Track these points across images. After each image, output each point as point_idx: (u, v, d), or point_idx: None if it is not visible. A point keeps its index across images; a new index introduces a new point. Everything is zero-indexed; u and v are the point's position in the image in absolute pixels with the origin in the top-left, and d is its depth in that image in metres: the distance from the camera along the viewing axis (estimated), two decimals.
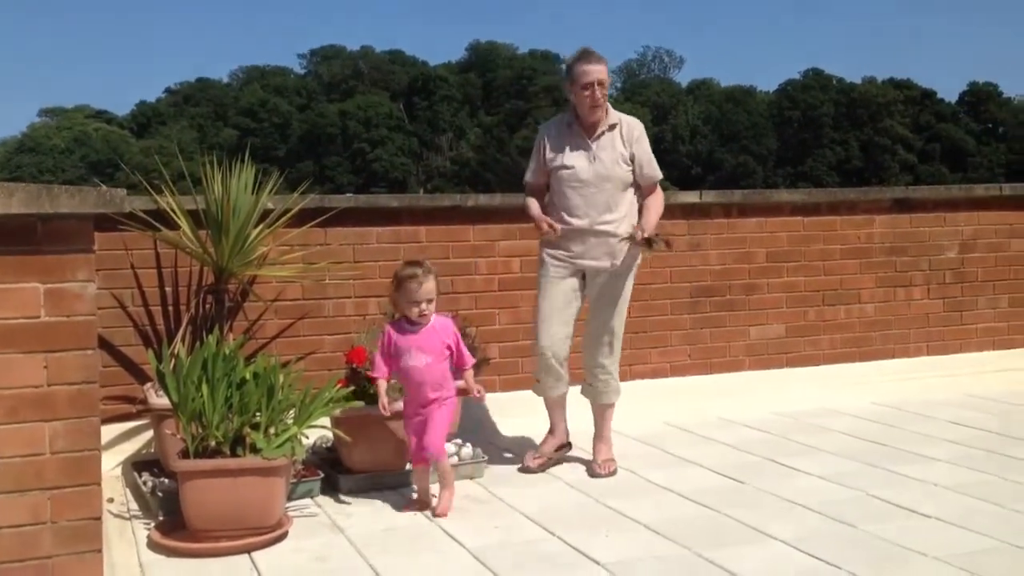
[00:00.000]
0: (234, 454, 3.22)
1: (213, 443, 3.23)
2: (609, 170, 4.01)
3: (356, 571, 3.03)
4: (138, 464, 4.05)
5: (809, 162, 59.78)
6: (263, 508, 3.21)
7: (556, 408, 4.25)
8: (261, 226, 4.16)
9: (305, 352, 4.47)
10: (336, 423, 3.78)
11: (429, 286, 3.53)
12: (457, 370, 3.69)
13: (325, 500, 3.74)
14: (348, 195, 4.99)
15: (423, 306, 3.54)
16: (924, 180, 46.61)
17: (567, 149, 4.05)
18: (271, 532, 3.23)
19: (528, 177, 4.19)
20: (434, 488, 3.65)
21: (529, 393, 4.90)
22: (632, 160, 4.06)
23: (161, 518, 3.45)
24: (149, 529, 3.38)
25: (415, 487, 3.69)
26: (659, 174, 4.14)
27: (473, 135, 67.37)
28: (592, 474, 4.06)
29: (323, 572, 3.04)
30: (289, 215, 4.29)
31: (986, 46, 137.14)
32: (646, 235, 3.96)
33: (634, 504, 3.65)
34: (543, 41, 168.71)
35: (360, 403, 3.68)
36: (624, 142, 4.06)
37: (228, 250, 4.01)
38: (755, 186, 45.51)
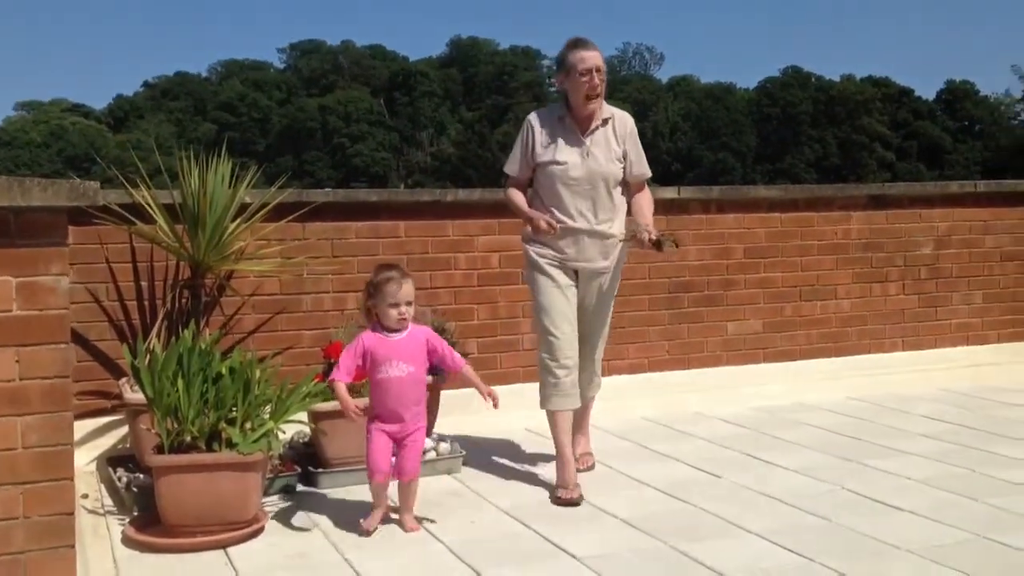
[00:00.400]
0: (210, 449, 3.21)
1: (188, 438, 3.22)
2: (603, 168, 3.80)
3: (332, 566, 3.02)
4: (113, 459, 4.02)
5: (788, 159, 60.09)
6: (239, 503, 3.20)
7: (567, 427, 3.83)
8: (238, 220, 4.14)
9: (283, 347, 4.45)
10: (313, 418, 3.77)
11: (408, 288, 3.32)
12: (454, 370, 3.50)
13: (302, 495, 3.73)
14: (327, 190, 4.98)
15: (403, 308, 3.30)
16: (901, 177, 47.00)
17: (559, 144, 3.80)
18: (247, 527, 3.22)
19: (511, 170, 3.92)
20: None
21: (509, 388, 4.88)
22: (624, 157, 3.87)
23: (136, 513, 3.43)
24: (124, 525, 3.35)
25: (374, 502, 3.36)
26: (649, 171, 3.95)
27: (454, 131, 67.26)
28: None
29: (299, 567, 3.03)
30: (267, 209, 4.27)
31: (963, 45, 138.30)
32: (654, 236, 3.74)
33: (611, 498, 3.66)
34: (524, 37, 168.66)
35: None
36: (617, 138, 3.86)
37: (204, 244, 3.99)
38: (734, 183, 45.74)
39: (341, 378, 3.28)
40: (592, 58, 3.75)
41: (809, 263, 5.59)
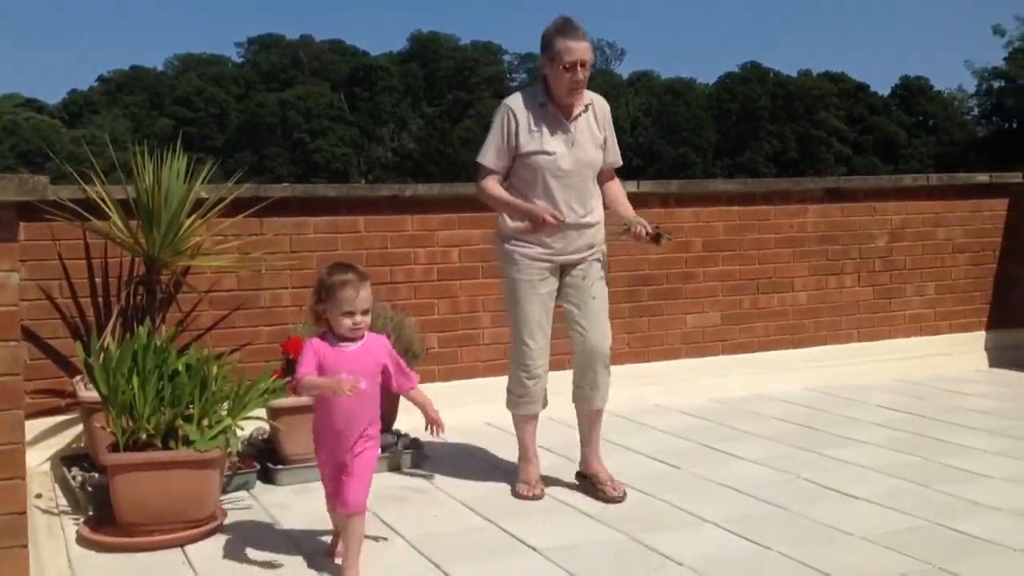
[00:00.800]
0: (166, 447, 3.17)
1: (144, 436, 3.18)
2: (590, 157, 3.58)
3: (290, 562, 3.01)
4: (67, 459, 3.96)
5: (747, 154, 60.67)
6: (196, 501, 3.17)
7: (532, 429, 3.78)
8: (194, 216, 4.09)
9: (241, 343, 4.41)
10: (272, 414, 3.74)
11: (366, 294, 2.83)
12: (399, 392, 3.04)
13: (261, 492, 3.71)
14: (284, 184, 4.95)
15: (358, 318, 2.81)
16: (858, 171, 47.63)
17: (544, 133, 3.53)
18: (204, 525, 3.19)
19: (487, 161, 3.58)
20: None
21: (469, 382, 4.92)
22: (604, 144, 3.67)
23: (91, 513, 3.39)
24: (78, 524, 3.31)
25: (334, 527, 3.05)
26: (620, 159, 3.78)
27: (415, 126, 66.99)
28: (607, 498, 3.54)
29: (258, 564, 3.01)
30: (223, 204, 4.23)
31: (917, 41, 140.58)
32: (651, 230, 3.54)
33: (572, 491, 3.68)
34: (485, 32, 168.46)
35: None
36: (599, 124, 3.65)
37: (160, 240, 3.94)
38: (695, 177, 46.05)
39: (306, 371, 2.81)
40: (579, 51, 3.47)
41: (766, 256, 5.65)
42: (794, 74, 65.83)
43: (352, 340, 2.85)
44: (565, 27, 3.53)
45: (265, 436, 4.02)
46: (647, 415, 4.92)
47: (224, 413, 3.29)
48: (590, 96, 3.65)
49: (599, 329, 3.67)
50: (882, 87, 69.29)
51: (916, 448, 4.21)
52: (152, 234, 3.94)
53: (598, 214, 3.67)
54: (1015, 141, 38.73)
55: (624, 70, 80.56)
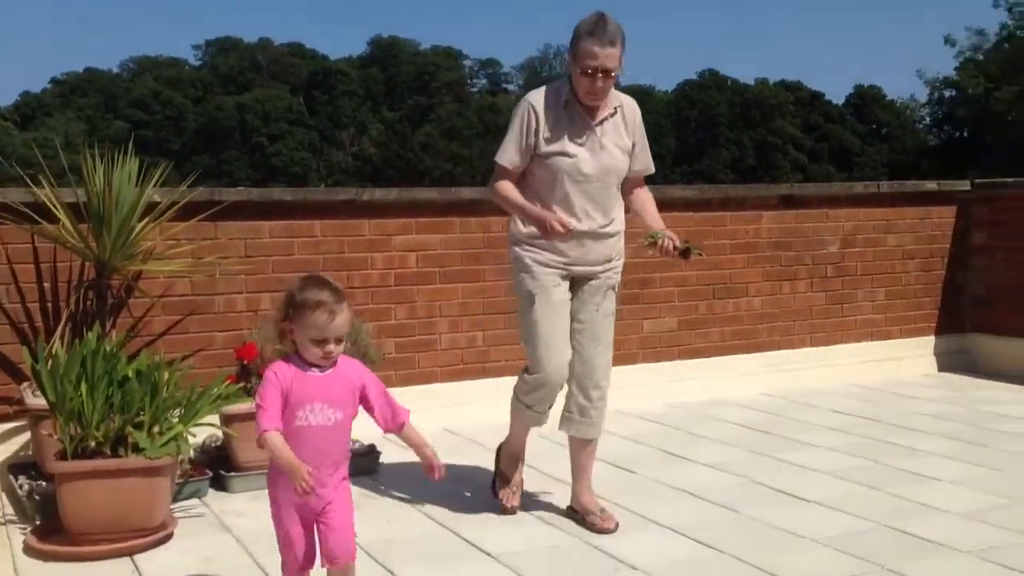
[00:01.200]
0: (115, 454, 3.12)
1: (93, 443, 3.12)
2: (616, 163, 3.34)
3: (243, 570, 2.98)
4: (14, 467, 3.87)
5: (706, 161, 61.28)
6: (146, 509, 3.12)
7: (526, 436, 3.64)
8: (146, 220, 4.04)
9: (194, 349, 4.36)
10: (225, 420, 3.70)
11: (342, 319, 2.37)
12: (386, 430, 2.54)
13: (214, 499, 3.66)
14: (239, 188, 4.88)
15: (330, 347, 2.37)
16: (813, 178, 48.30)
17: (567, 134, 3.28)
18: (155, 533, 3.14)
19: (505, 160, 3.32)
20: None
21: (427, 388, 4.90)
22: (632, 149, 3.42)
23: (38, 522, 3.32)
24: (26, 534, 3.24)
25: None
26: (653, 166, 3.53)
27: (375, 130, 66.73)
28: (598, 529, 3.33)
29: (209, 572, 2.97)
30: (175, 208, 4.18)
31: (870, 50, 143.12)
32: (679, 244, 3.29)
33: (528, 497, 3.68)
34: (445, 37, 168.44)
35: (250, 400, 3.60)
36: (627, 129, 3.39)
37: (110, 244, 3.88)
38: (654, 183, 46.20)
39: (272, 424, 2.35)
40: (601, 57, 3.17)
41: (722, 261, 5.70)
42: (751, 82, 66.71)
43: (323, 365, 2.43)
44: (595, 28, 3.20)
45: (218, 443, 3.97)
46: (612, 421, 4.91)
47: (175, 420, 3.25)
48: (619, 98, 3.40)
49: (599, 351, 3.42)
50: (837, 96, 70.39)
51: (867, 451, 4.27)
52: (102, 238, 3.88)
53: (619, 224, 3.44)
54: (966, 149, 39.54)
55: None
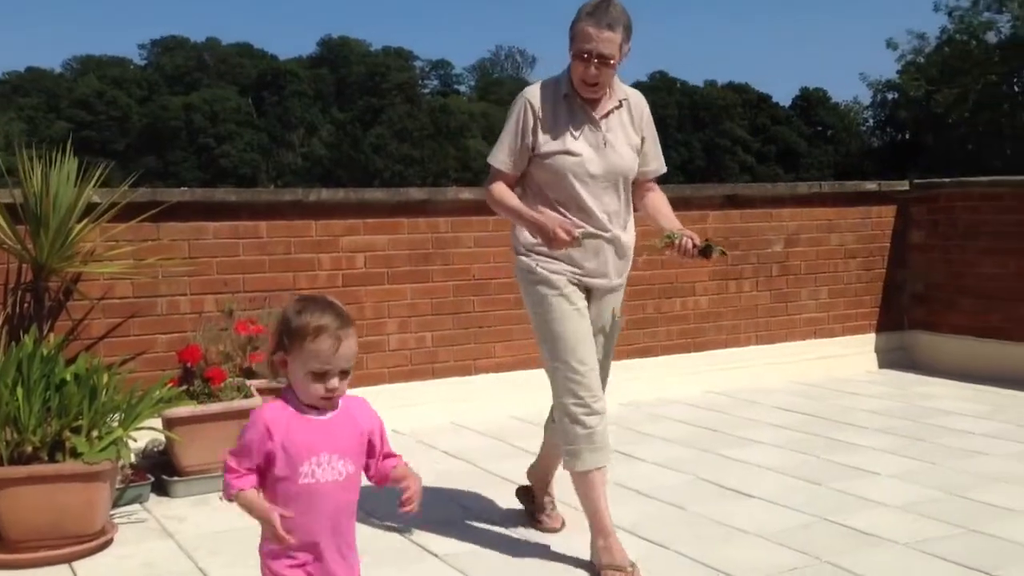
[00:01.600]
0: (52, 460, 3.06)
1: (30, 449, 3.05)
2: (625, 162, 3.02)
3: (183, 575, 2.93)
4: None
5: None
6: (84, 515, 3.06)
7: (604, 489, 3.03)
8: (86, 221, 3.96)
9: (136, 352, 4.29)
10: (168, 424, 3.64)
11: (349, 346, 1.95)
12: (377, 480, 2.12)
13: (155, 504, 3.60)
14: (183, 189, 4.82)
15: (333, 382, 1.94)
16: (761, 179, 48.94)
17: (569, 130, 2.96)
18: (93, 540, 3.09)
19: (499, 162, 2.99)
20: None
21: (375, 389, 4.85)
22: (641, 147, 3.12)
23: None
24: None
25: None
26: (665, 166, 3.24)
27: (325, 131, 66.21)
28: (544, 529, 3.24)
29: None
30: (116, 209, 4.10)
31: (816, 53, 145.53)
32: (699, 243, 2.96)
33: (476, 497, 3.68)
34: (397, 38, 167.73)
35: (192, 403, 3.56)
36: (635, 125, 3.08)
37: (48, 245, 3.80)
38: None
39: (243, 483, 1.93)
40: (597, 40, 2.84)
41: (669, 261, 5.74)
42: (700, 84, 67.47)
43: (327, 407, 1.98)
44: (595, 8, 2.88)
45: (161, 447, 3.90)
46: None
47: (115, 424, 3.19)
48: (625, 91, 3.07)
49: (604, 366, 3.16)
50: (783, 98, 71.52)
51: (810, 447, 4.35)
52: (40, 239, 3.80)
53: (633, 232, 3.13)
54: (907, 151, 40.42)
55: (535, 77, 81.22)
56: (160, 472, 3.74)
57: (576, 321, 2.96)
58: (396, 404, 4.84)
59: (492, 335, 5.23)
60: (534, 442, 4.51)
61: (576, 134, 2.97)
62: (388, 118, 61.91)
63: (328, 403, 1.96)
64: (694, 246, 2.96)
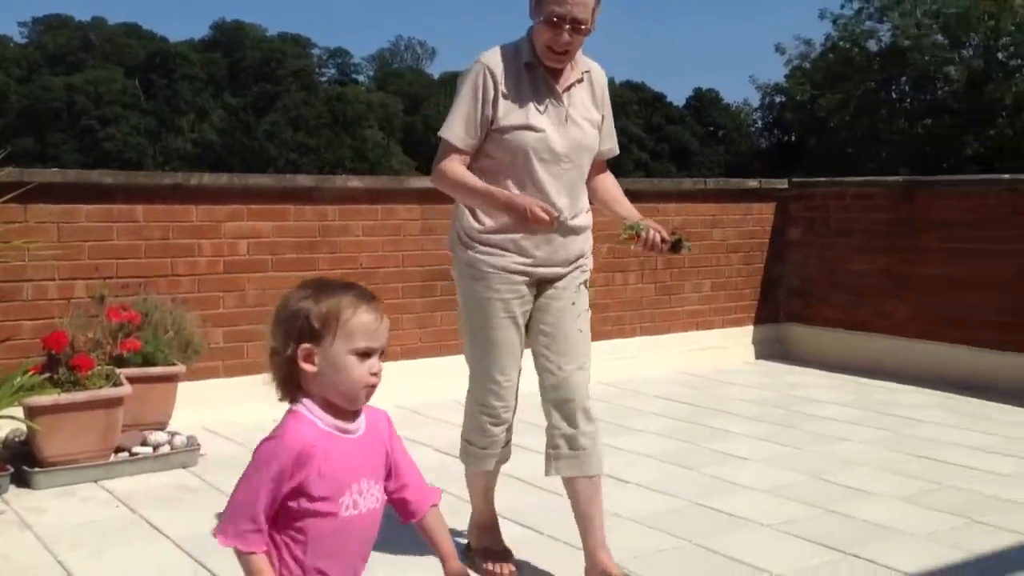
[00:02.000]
0: None
1: None
2: (587, 138, 2.77)
3: (41, 568, 2.82)
4: None
5: None
6: None
7: (492, 486, 3.02)
8: None
9: None
10: (29, 413, 3.49)
11: (387, 327, 1.72)
12: (407, 516, 1.83)
13: (15, 496, 3.44)
14: (53, 169, 4.61)
15: (378, 363, 1.69)
16: (655, 177, 49.99)
17: (531, 103, 2.67)
18: None
19: (453, 136, 2.67)
20: None
21: (257, 378, 4.75)
22: (601, 124, 2.86)
23: None
24: None
25: None
26: (617, 147, 3.00)
27: (217, 117, 64.38)
28: None
29: (5, 571, 2.79)
30: None
31: (709, 55, 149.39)
32: (667, 236, 2.78)
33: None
34: (292, 24, 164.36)
35: (56, 391, 3.41)
36: (596, 101, 2.82)
37: None
38: None
39: (257, 544, 1.62)
40: (573, 4, 2.58)
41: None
42: None
43: (350, 416, 1.69)
44: None
45: (22, 437, 3.73)
46: (441, 409, 4.95)
47: None
48: (588, 63, 2.82)
49: (578, 361, 2.84)
50: (677, 98, 73.18)
51: (687, 435, 4.47)
52: None
53: (589, 216, 2.91)
54: (793, 153, 41.86)
55: (435, 69, 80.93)
56: (21, 463, 3.58)
57: (510, 332, 2.75)
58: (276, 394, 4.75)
59: None
60: (417, 431, 4.51)
61: (538, 107, 2.67)
62: (283, 105, 60.62)
63: (370, 394, 1.69)
64: (663, 240, 2.75)
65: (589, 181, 2.89)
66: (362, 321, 1.65)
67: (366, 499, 1.67)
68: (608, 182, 2.97)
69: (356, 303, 1.66)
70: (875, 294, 6.17)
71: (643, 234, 2.73)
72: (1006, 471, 3.90)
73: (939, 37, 33.48)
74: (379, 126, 59.98)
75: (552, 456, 2.82)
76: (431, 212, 5.38)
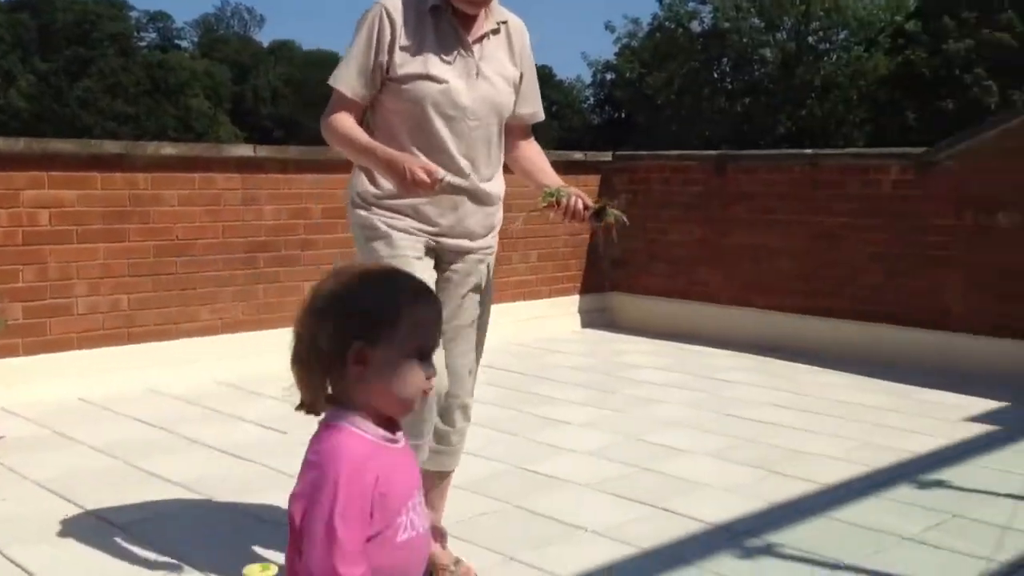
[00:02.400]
0: None
1: None
2: (499, 95, 2.50)
3: None
4: None
5: None
6: None
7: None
8: None
9: None
10: None
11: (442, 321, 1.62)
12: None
13: None
14: None
15: (432, 368, 1.46)
16: None
17: (434, 52, 2.41)
18: None
19: (344, 83, 2.43)
20: None
21: (60, 355, 4.50)
22: (518, 83, 2.58)
23: None
24: None
25: None
26: (542, 112, 2.71)
27: (25, 82, 59.93)
28: None
29: None
30: None
31: (543, 32, 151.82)
32: (591, 204, 2.45)
33: (170, 463, 3.51)
34: None
35: None
36: (514, 55, 2.55)
37: None
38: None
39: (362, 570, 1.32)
40: None
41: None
42: None
43: (391, 424, 1.45)
44: None
45: None
46: (265, 383, 4.83)
47: None
48: (505, 13, 2.55)
49: (469, 356, 2.60)
50: None
51: (513, 402, 4.55)
52: None
53: (502, 184, 2.62)
54: (623, 129, 43.10)
55: (264, 38, 78.25)
56: None
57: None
58: (85, 371, 4.52)
59: (197, 298, 5.00)
60: (240, 407, 4.39)
61: (443, 56, 2.41)
62: (99, 70, 57.12)
63: (427, 395, 1.45)
64: (585, 207, 2.43)
65: (510, 150, 2.63)
66: (425, 315, 1.43)
67: (421, 517, 1.43)
68: (531, 151, 2.67)
69: (416, 295, 1.45)
70: (692, 263, 6.46)
71: (564, 200, 2.42)
72: (799, 425, 4.19)
73: (756, 20, 35.22)
74: (205, 95, 57.51)
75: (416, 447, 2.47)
76: (252, 182, 5.21)
